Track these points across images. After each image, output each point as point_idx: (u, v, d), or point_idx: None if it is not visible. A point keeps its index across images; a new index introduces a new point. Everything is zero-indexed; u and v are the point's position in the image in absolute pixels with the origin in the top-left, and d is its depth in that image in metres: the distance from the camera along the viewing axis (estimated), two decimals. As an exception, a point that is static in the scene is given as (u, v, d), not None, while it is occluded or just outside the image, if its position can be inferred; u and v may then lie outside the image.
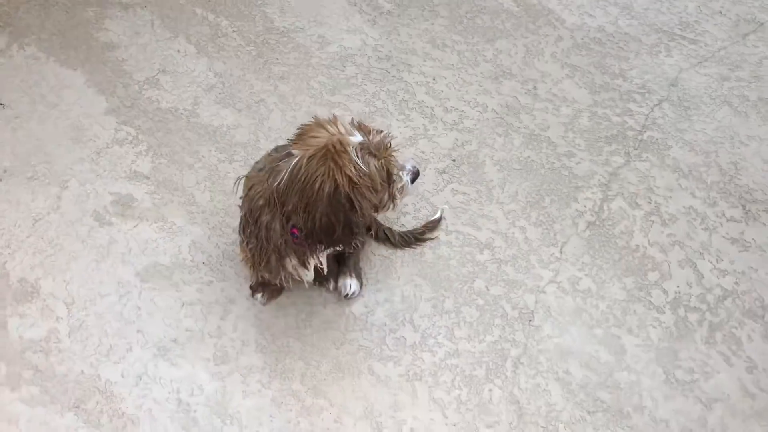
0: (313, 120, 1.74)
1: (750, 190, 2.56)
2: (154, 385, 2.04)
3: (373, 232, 2.32)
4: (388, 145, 1.76)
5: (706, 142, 2.70)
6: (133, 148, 2.56)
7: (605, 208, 2.50)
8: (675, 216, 2.48)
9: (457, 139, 2.65)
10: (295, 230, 1.73)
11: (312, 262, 1.88)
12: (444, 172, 2.56)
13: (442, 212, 2.43)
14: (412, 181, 1.88)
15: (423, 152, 2.61)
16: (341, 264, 2.22)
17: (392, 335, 2.17)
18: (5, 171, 2.48)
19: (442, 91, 2.80)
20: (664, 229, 2.45)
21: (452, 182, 2.54)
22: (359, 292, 2.23)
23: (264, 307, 2.21)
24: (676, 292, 2.30)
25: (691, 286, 2.32)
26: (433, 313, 2.23)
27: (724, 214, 2.50)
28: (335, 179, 1.64)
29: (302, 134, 1.71)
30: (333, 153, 1.64)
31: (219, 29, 2.96)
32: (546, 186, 2.54)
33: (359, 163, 1.66)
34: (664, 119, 2.76)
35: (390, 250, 2.36)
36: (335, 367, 2.10)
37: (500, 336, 2.19)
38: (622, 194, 2.54)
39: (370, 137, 1.71)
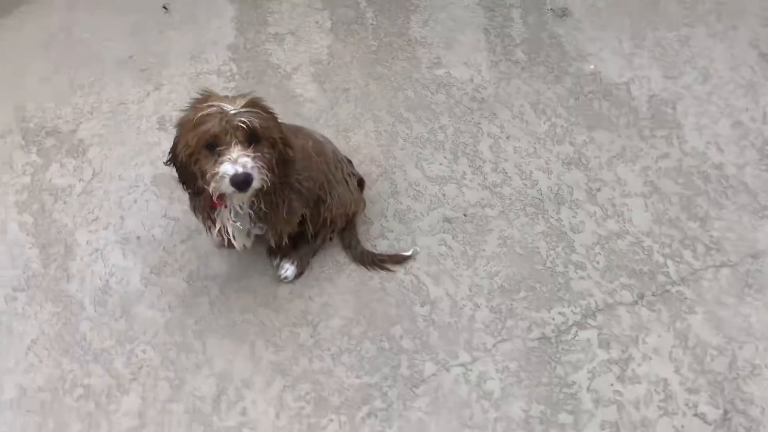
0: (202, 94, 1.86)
1: (748, 401, 2.19)
2: (100, 261, 2.43)
3: (346, 240, 2.45)
4: (243, 137, 1.79)
5: (739, 330, 2.34)
6: (224, 82, 2.95)
7: (572, 332, 2.32)
8: (638, 378, 2.23)
9: (483, 199, 2.62)
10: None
11: (217, 224, 2.06)
12: (448, 221, 2.57)
13: (413, 253, 2.46)
14: (231, 182, 1.77)
15: (444, 195, 2.63)
16: (294, 247, 2.38)
17: (291, 328, 2.31)
18: (131, 57, 3.02)
19: (505, 152, 2.76)
20: (615, 383, 2.22)
21: (448, 233, 2.54)
22: (292, 279, 2.38)
23: (216, 249, 2.46)
24: (575, 447, 2.11)
25: (596, 451, 2.10)
26: (338, 331, 2.31)
27: (696, 406, 2.19)
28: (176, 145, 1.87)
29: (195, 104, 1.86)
30: (201, 101, 1.82)
31: (362, 17, 3.20)
32: (531, 281, 2.43)
33: (200, 116, 1.77)
34: (711, 284, 2.43)
35: (346, 260, 2.46)
36: (228, 325, 2.31)
37: (377, 383, 2.21)
38: (601, 329, 2.33)
39: (237, 110, 1.77)
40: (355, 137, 2.79)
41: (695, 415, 2.17)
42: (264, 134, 1.80)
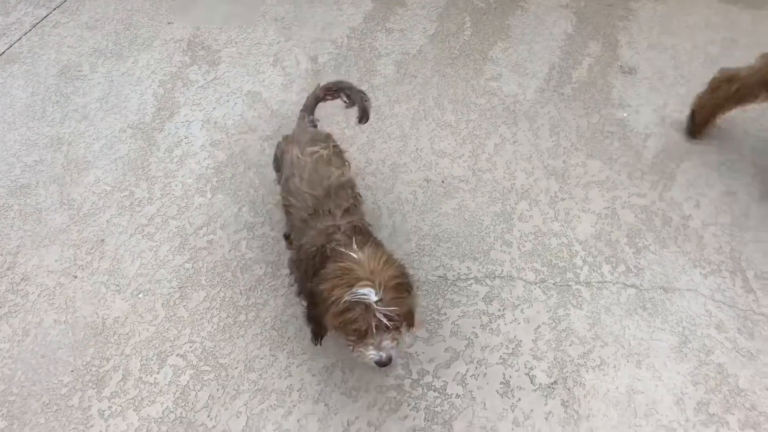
0: (387, 254, 2.06)
1: (579, 384, 2.48)
2: (185, 127, 3.46)
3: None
4: (386, 329, 1.98)
5: (610, 334, 2.62)
6: (333, 48, 3.87)
7: (468, 282, 2.80)
8: (498, 332, 2.64)
9: (464, 176, 3.18)
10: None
11: None
12: (427, 181, 3.17)
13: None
14: (376, 363, 2.03)
15: (437, 164, 3.23)
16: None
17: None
18: (282, 18, 4.08)
19: (505, 150, 3.27)
20: (477, 328, 2.66)
21: (421, 188, 3.13)
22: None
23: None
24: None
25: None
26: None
27: (531, 369, 2.54)
28: (326, 286, 1.99)
29: (376, 250, 2.05)
30: (347, 276, 1.96)
31: (460, 33, 3.94)
32: (460, 239, 2.92)
33: (345, 301, 1.93)
34: (611, 295, 2.73)
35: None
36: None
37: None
38: (492, 289, 2.76)
39: (381, 306, 1.92)
40: (398, 107, 3.51)
41: (527, 374, 2.52)
42: (404, 319, 2.03)
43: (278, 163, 2.64)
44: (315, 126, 2.73)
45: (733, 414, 2.37)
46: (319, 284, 2.01)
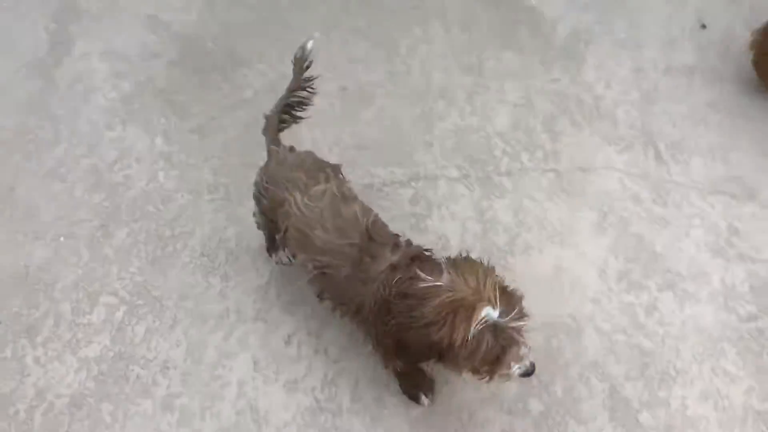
0: (471, 261, 1.85)
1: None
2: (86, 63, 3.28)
3: None
4: (518, 338, 1.74)
5: (534, 218, 2.69)
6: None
7: (394, 187, 2.80)
8: (427, 231, 2.68)
9: (380, 81, 3.15)
10: None
11: None
12: (343, 89, 3.13)
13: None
14: (522, 375, 1.81)
15: (351, 72, 3.18)
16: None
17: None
18: None
19: (418, 52, 3.26)
20: (406, 229, 2.69)
21: (338, 98, 3.09)
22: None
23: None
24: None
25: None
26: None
27: (460, 261, 2.60)
28: (443, 331, 1.69)
29: (459, 267, 1.79)
30: (460, 308, 1.69)
31: None
32: (380, 144, 2.92)
33: (472, 336, 1.67)
34: (531, 181, 2.79)
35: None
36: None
37: (227, 181, 2.84)
38: (417, 191, 2.78)
39: (507, 318, 1.69)
40: (305, 15, 3.41)
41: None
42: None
43: (264, 217, 2.25)
44: (293, 149, 2.31)
45: (652, 278, 2.49)
46: (431, 335, 1.72)
